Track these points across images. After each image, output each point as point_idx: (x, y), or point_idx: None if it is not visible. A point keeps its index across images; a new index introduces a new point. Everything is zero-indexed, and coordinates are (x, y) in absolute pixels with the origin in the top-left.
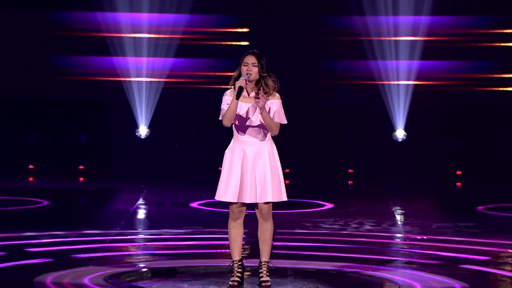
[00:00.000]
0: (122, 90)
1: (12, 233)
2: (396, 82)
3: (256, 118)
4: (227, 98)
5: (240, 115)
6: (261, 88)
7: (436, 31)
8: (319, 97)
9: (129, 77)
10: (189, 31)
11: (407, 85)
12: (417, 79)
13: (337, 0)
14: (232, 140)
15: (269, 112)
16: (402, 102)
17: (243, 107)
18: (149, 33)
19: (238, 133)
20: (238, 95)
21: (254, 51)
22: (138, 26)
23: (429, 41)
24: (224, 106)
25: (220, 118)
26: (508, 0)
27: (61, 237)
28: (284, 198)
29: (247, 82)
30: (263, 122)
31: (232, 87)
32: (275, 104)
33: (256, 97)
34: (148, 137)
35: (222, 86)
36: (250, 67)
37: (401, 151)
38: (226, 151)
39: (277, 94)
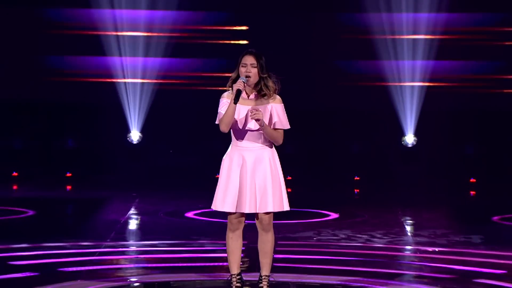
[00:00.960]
0: (113, 92)
1: None
2: (406, 84)
3: (255, 123)
4: (225, 101)
5: (239, 120)
6: (257, 99)
7: (449, 29)
8: (324, 100)
9: (120, 78)
10: (184, 29)
11: (418, 86)
12: (428, 80)
13: None
14: (230, 145)
15: (270, 117)
16: (414, 105)
17: (241, 111)
18: (141, 31)
19: (237, 138)
20: (236, 99)
21: (253, 51)
22: (131, 24)
23: (442, 39)
24: (222, 110)
25: (217, 123)
26: None
27: (48, 250)
28: (286, 207)
29: (245, 85)
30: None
31: (230, 89)
32: (275, 109)
33: (252, 115)
34: (140, 142)
35: (220, 88)
36: (249, 68)
37: (411, 157)
38: (223, 158)
39: (278, 97)
